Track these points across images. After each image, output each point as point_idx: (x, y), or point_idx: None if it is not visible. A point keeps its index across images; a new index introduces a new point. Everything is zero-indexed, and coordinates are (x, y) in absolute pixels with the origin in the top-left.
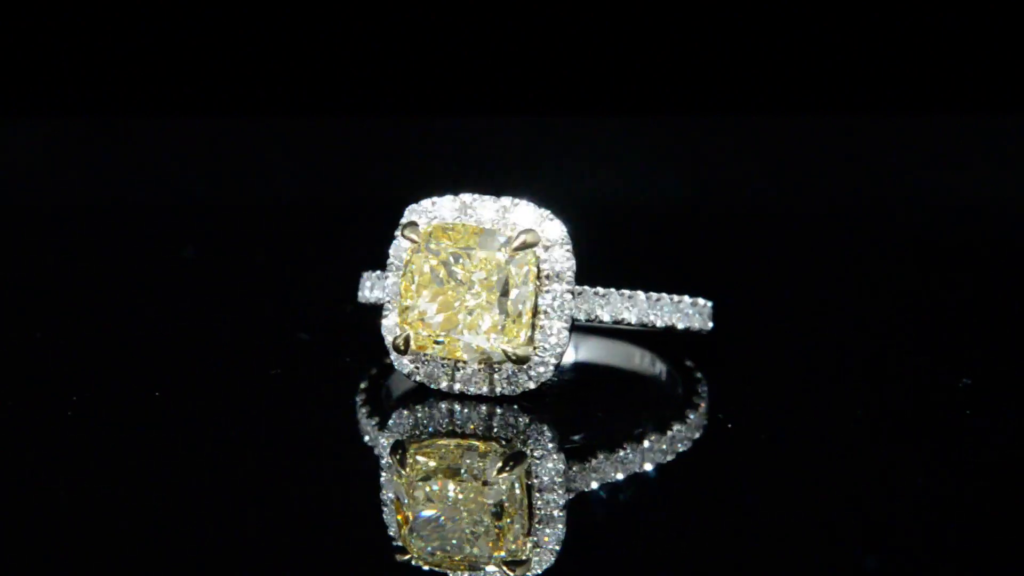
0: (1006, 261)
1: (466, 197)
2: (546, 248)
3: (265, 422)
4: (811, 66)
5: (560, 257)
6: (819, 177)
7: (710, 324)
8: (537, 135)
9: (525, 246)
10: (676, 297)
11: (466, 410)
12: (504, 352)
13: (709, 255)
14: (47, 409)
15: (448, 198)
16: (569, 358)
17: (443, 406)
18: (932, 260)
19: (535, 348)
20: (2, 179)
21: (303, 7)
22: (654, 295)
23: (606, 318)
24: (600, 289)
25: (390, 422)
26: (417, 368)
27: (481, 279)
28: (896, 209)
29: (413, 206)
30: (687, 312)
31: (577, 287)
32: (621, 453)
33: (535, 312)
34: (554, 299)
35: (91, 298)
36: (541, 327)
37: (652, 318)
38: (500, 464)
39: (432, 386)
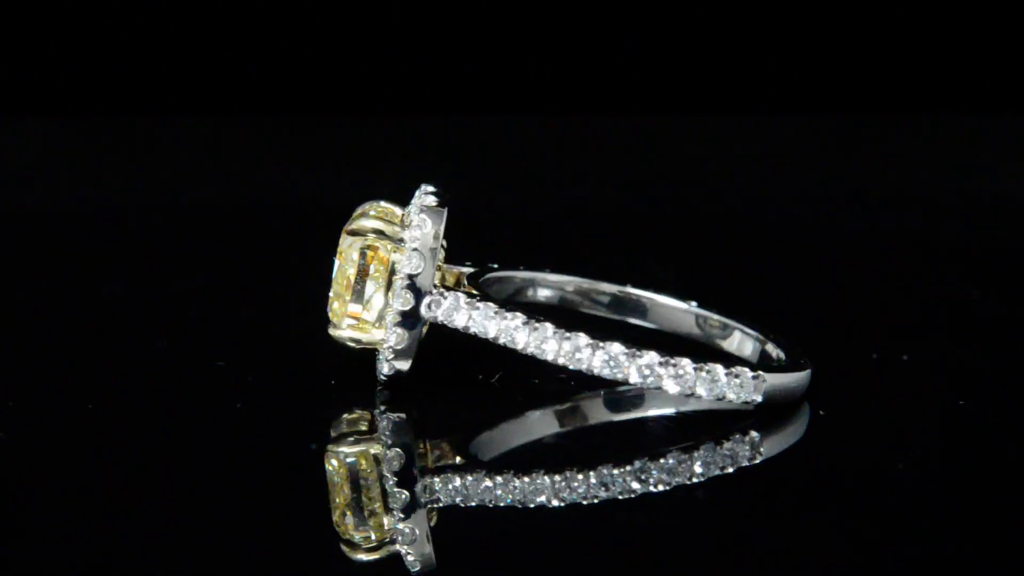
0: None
1: (422, 187)
2: (399, 242)
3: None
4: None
5: (406, 255)
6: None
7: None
8: (542, 135)
9: (351, 233)
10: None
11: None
12: (331, 335)
13: (706, 254)
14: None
15: (422, 187)
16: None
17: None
18: (924, 259)
19: (384, 343)
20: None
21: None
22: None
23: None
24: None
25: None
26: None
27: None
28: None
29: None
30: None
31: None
32: (526, 479)
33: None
34: (394, 297)
35: (84, 298)
36: (385, 321)
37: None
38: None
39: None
